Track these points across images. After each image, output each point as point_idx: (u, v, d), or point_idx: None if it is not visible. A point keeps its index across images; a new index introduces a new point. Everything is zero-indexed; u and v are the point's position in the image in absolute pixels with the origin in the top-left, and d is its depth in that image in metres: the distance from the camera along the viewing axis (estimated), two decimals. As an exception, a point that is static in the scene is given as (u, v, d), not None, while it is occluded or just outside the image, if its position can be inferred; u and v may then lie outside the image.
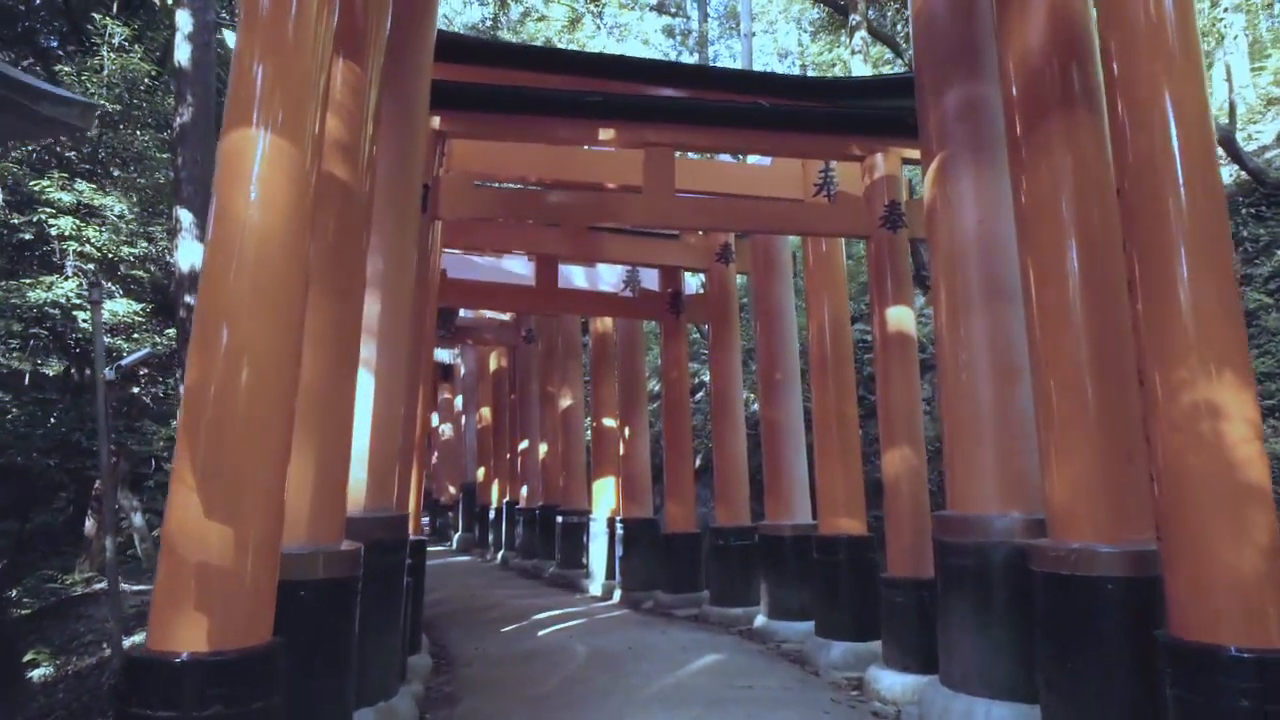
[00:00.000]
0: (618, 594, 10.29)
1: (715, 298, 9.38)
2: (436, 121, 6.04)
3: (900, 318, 6.25)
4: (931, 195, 5.19)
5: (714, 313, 9.36)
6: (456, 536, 17.45)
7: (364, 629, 4.20)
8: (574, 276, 10.75)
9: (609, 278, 10.97)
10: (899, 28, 13.64)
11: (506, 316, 14.64)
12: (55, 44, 14.18)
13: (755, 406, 12.54)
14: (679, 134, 6.22)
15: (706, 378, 15.51)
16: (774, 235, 8.36)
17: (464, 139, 6.58)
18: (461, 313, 14.86)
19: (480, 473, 16.69)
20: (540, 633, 7.93)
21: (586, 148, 6.89)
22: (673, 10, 26.20)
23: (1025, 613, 4.30)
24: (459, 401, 18.61)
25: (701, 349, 16.96)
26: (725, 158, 11.03)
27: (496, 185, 8.82)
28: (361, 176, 4.12)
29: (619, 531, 10.51)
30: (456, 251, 10.23)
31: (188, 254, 9.16)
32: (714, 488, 9.41)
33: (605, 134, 6.12)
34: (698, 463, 11.92)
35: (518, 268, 10.35)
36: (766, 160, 7.81)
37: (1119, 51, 3.53)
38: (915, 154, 6.53)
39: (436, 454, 20.19)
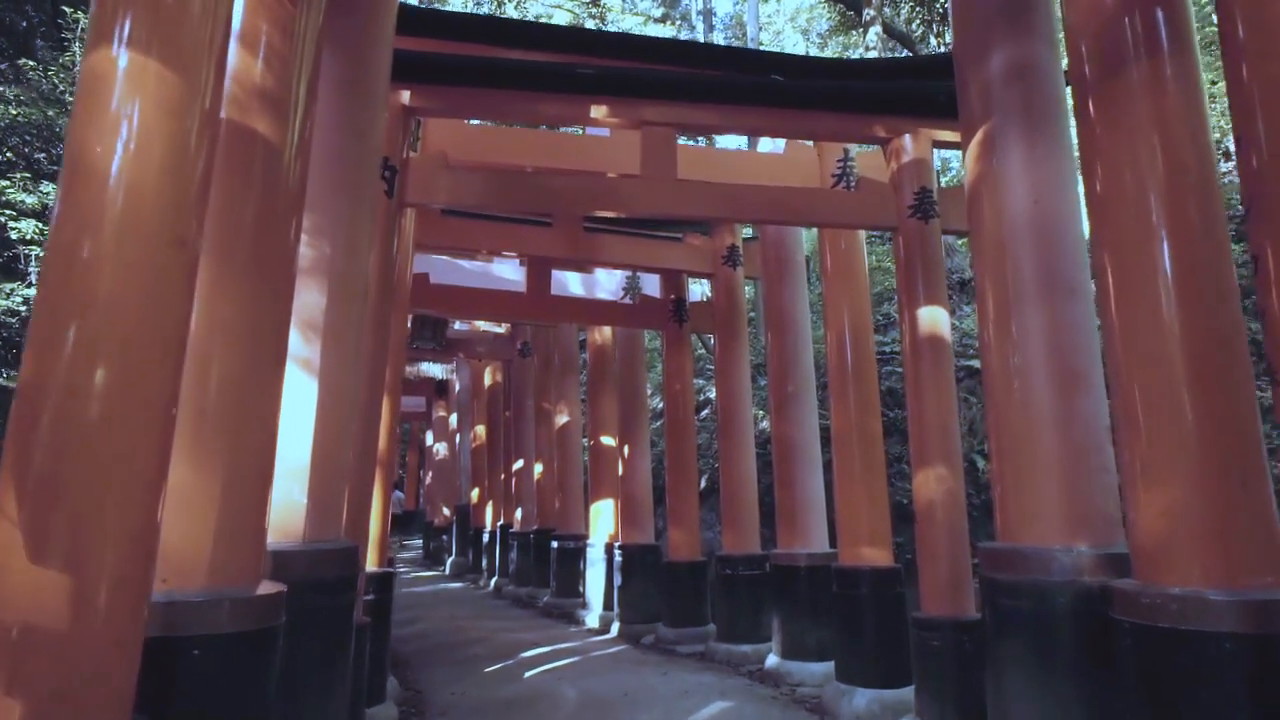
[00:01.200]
0: (616, 627, 9.48)
1: (722, 305, 8.63)
2: (406, 97, 5.34)
3: (933, 319, 5.49)
4: (975, 175, 4.45)
5: (720, 321, 8.61)
6: (450, 561, 16.63)
7: (296, 691, 3.44)
8: (569, 283, 10.02)
9: (608, 285, 10.24)
10: (914, 27, 12.99)
11: (502, 329, 13.94)
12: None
13: (765, 424, 11.78)
14: (680, 111, 5.50)
15: (713, 394, 14.81)
16: (786, 235, 7.63)
17: (439, 117, 5.88)
18: (457, 325, 14.19)
19: (475, 494, 15.91)
20: (528, 674, 7.13)
21: (582, 131, 6.17)
22: (677, 19, 25.67)
23: (1099, 669, 3.54)
24: (454, 419, 17.84)
25: (707, 364, 16.21)
26: (733, 147, 10.31)
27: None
28: (292, 137, 3.38)
29: (617, 559, 9.72)
30: (442, 256, 9.53)
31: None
32: (720, 511, 8.62)
33: (597, 111, 5.40)
34: (703, 484, 11.13)
35: (509, 273, 9.63)
36: (779, 147, 7.11)
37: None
38: (948, 136, 5.81)
39: (431, 474, 19.40)
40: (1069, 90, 4.65)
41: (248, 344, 3.12)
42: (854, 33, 12.77)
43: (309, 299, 3.95)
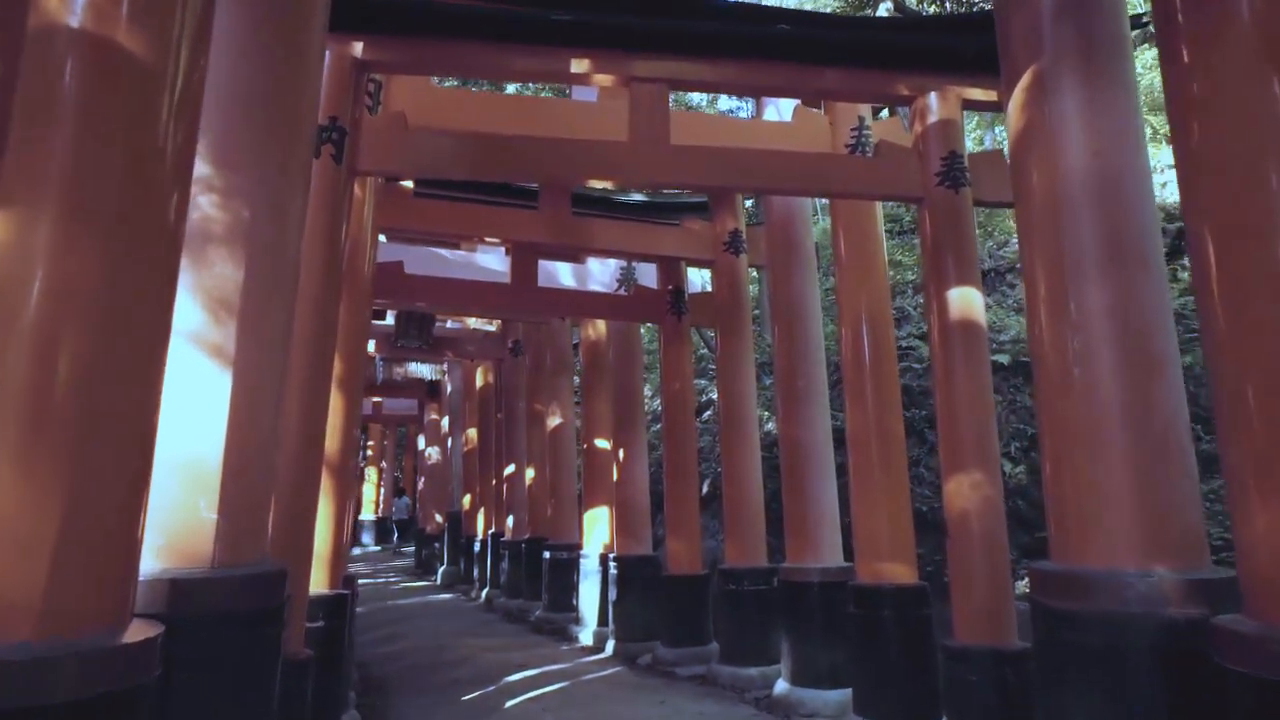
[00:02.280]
0: (611, 645, 8.77)
1: (724, 295, 7.93)
2: (358, 49, 4.65)
3: (966, 302, 4.78)
4: (1021, 128, 3.75)
5: (722, 313, 7.90)
6: (441, 570, 15.92)
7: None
8: (560, 275, 9.31)
9: (601, 276, 9.54)
10: (924, 6, 12.31)
11: (492, 327, 13.25)
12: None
13: (770, 425, 11.07)
14: (673, 66, 4.80)
15: (715, 395, 14.10)
16: (794, 218, 6.93)
17: (397, 73, 5.19)
18: (450, 324, 13.51)
19: (466, 500, 15.20)
20: (510, 703, 6.41)
21: (568, 92, 5.45)
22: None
23: (1192, 721, 2.86)
24: (446, 422, 17.15)
25: (709, 364, 15.50)
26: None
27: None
28: (176, 68, 2.68)
29: (613, 571, 9.00)
30: (423, 247, 8.85)
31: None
32: (723, 520, 7.91)
33: (579, 66, 4.71)
34: (704, 489, 10.43)
35: (494, 264, 8.93)
36: (786, 114, 6.41)
37: None
38: (979, 94, 5.11)
39: (423, 479, 18.71)
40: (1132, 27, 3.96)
41: (107, 320, 2.42)
42: (866, 12, 12.11)
43: (221, 272, 3.26)
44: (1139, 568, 3.19)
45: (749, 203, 10.59)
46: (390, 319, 11.87)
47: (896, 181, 5.02)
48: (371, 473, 25.44)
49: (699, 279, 9.91)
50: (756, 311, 12.86)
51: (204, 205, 3.32)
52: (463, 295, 7.92)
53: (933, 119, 4.99)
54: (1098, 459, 3.35)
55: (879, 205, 6.05)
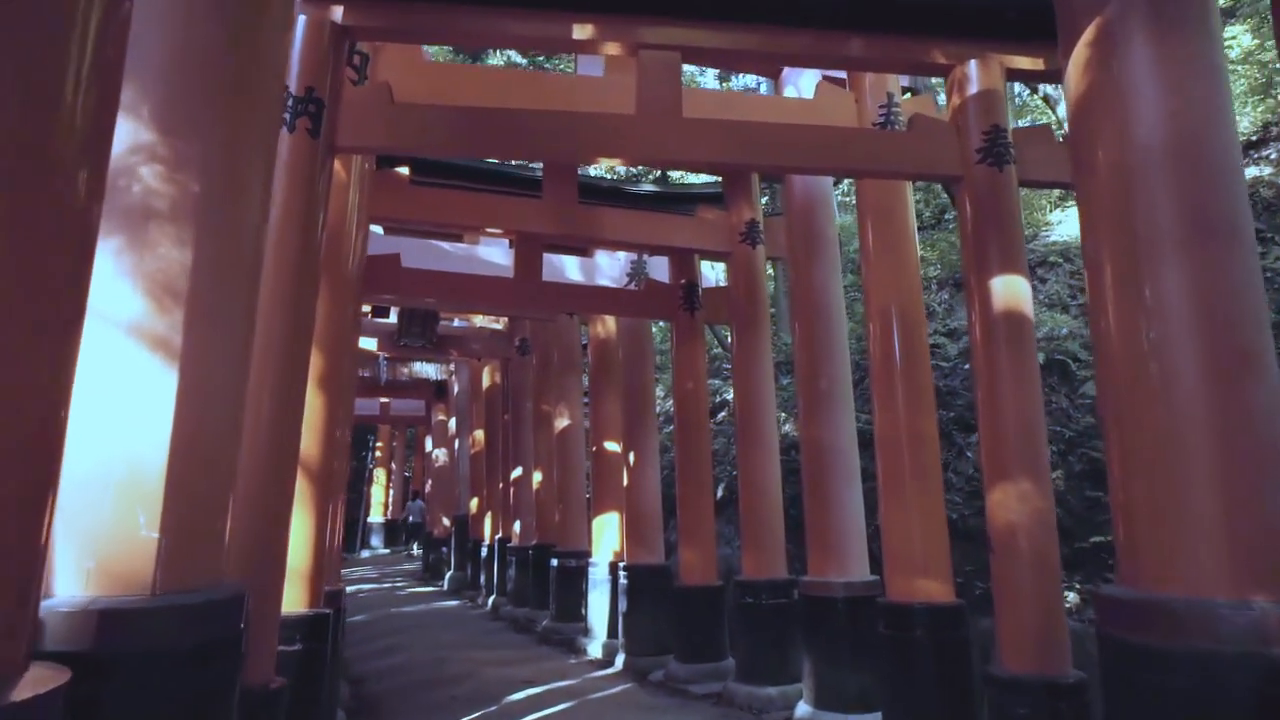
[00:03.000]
0: (621, 659, 8.31)
1: (740, 290, 7.45)
2: (338, 14, 4.21)
3: (1011, 292, 4.30)
4: (1084, 88, 3.28)
5: (738, 309, 7.43)
6: (448, 576, 15.50)
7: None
8: (567, 269, 8.87)
9: (610, 271, 9.09)
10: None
11: (499, 325, 12.82)
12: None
13: (788, 428, 10.59)
14: (686, 33, 4.35)
15: (729, 396, 13.64)
16: (816, 205, 6.45)
17: (382, 40, 4.76)
18: (456, 322, 13.11)
19: (473, 504, 14.78)
20: (510, 726, 5.98)
21: (570, 61, 4.98)
22: None
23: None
24: (452, 423, 16.73)
25: (723, 364, 15.03)
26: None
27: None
28: (75, 14, 2.24)
29: (623, 581, 8.55)
30: (424, 240, 8.42)
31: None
32: (740, 529, 7.44)
33: (581, 32, 4.26)
34: (718, 493, 9.96)
35: (498, 257, 8.50)
36: (807, 91, 5.95)
37: None
38: (1024, 63, 4.62)
39: (430, 482, 18.32)
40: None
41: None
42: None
43: (166, 254, 2.82)
44: (1233, 598, 2.72)
45: (765, 201, 10.12)
46: (394, 317, 11.48)
47: (932, 159, 4.54)
48: (381, 475, 25.08)
49: (712, 275, 9.44)
50: (773, 310, 12.39)
51: (146, 177, 2.88)
52: (463, 289, 7.48)
53: (972, 90, 4.50)
54: (1179, 470, 2.88)
55: (909, 189, 5.58)
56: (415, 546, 22.29)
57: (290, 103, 4.07)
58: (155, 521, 2.68)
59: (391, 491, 25.42)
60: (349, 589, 14.90)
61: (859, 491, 6.25)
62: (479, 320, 13.23)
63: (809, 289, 6.44)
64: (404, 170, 6.69)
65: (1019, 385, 4.21)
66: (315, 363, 4.55)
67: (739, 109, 5.61)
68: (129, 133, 2.87)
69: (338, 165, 4.83)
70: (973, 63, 4.53)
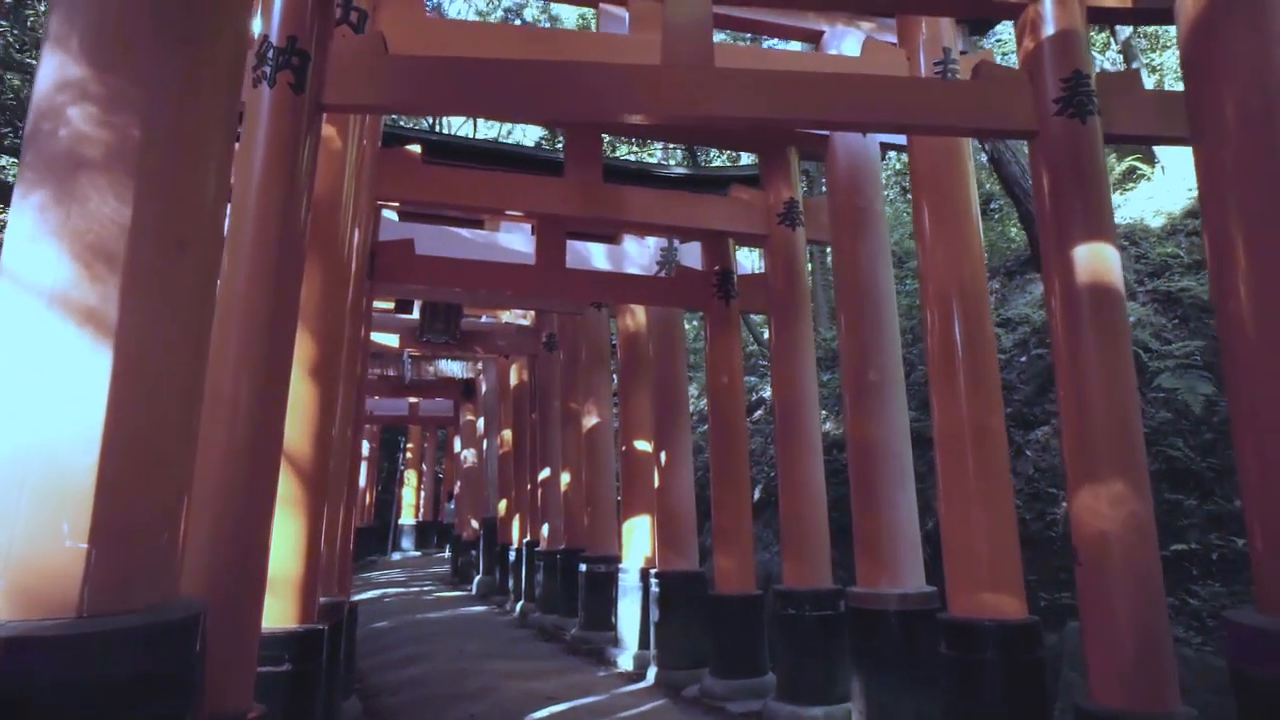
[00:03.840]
0: (653, 672, 7.78)
1: (779, 275, 6.88)
2: (325, -45, 3.74)
3: (1098, 261, 3.70)
4: (1204, 20, 2.69)
5: (777, 296, 6.87)
6: (476, 580, 15.07)
7: None
8: (593, 257, 8.36)
9: (639, 259, 8.57)
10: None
11: (526, 320, 12.37)
12: None
13: (828, 426, 10.00)
14: (719, -31, 3.82)
15: (766, 394, 13.06)
16: (862, 180, 5.89)
17: (375, -11, 4.29)
18: (484, 319, 12.69)
19: (502, 506, 14.33)
20: (530, 749, 5.48)
21: (594, 13, 4.45)
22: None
23: None
24: (481, 423, 16.32)
25: (757, 360, 14.45)
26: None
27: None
28: None
29: (654, 588, 8.02)
30: (440, 226, 7.97)
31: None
32: (780, 534, 6.88)
33: (599, -29, 3.75)
34: (755, 494, 9.40)
35: (520, 245, 8.01)
36: (854, 47, 5.38)
37: None
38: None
39: (459, 484, 17.94)
40: None
41: None
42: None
43: (99, 212, 2.35)
44: None
45: (802, 190, 9.50)
46: (416, 313, 11.08)
47: (1001, 111, 3.95)
48: (411, 476, 24.79)
49: (747, 265, 8.87)
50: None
51: (75, 120, 2.42)
52: (480, 276, 7.00)
53: (1048, 30, 3.91)
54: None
55: (970, 161, 4.99)
56: (448, 549, 21.95)
57: (270, 54, 3.60)
58: (82, 530, 2.21)
59: (422, 493, 25.13)
60: (374, 594, 14.58)
61: (913, 494, 5.67)
62: (505, 316, 12.80)
63: (855, 270, 5.86)
64: (415, 148, 6.24)
65: (1110, 370, 3.62)
66: (306, 351, 4.09)
67: (777, 65, 5.06)
68: (55, 67, 2.41)
69: (332, 133, 4.37)
70: (1047, 1, 3.94)
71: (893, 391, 5.74)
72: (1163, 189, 9.96)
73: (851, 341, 5.87)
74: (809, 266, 13.43)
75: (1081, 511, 3.60)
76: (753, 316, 15.24)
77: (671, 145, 15.54)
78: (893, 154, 10.27)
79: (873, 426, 5.67)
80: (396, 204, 6.45)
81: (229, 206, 3.61)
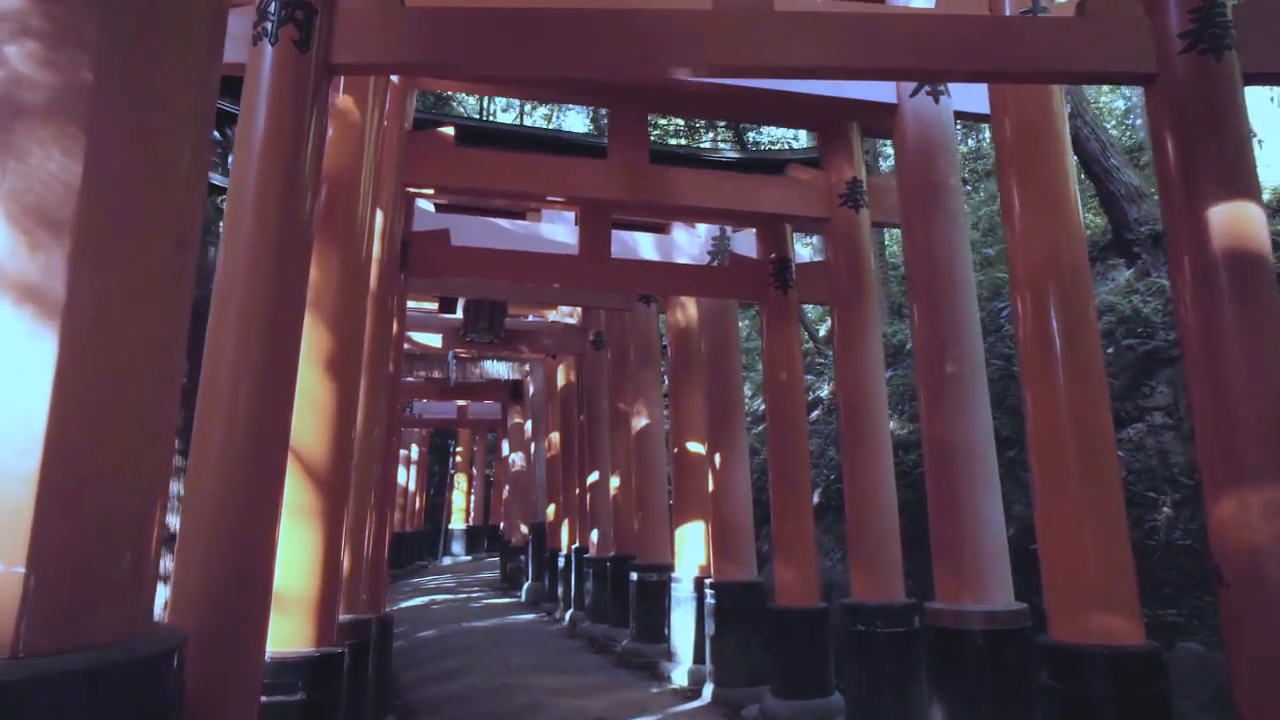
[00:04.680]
0: (709, 689, 7.28)
1: (841, 261, 6.33)
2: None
3: (1237, 222, 3.10)
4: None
5: (840, 284, 6.32)
6: (525, 586, 14.71)
7: None
8: (640, 248, 7.90)
9: (689, 249, 8.08)
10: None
11: (573, 319, 11.97)
12: None
13: (890, 425, 9.37)
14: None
15: (822, 393, 12.45)
16: (935, 150, 5.33)
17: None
18: (530, 317, 12.34)
19: (550, 511, 13.96)
20: (577, 779, 5.02)
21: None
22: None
23: None
24: (529, 426, 15.98)
25: (815, 359, 13.82)
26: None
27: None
28: None
29: (709, 599, 7.52)
30: (475, 216, 7.59)
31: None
32: (846, 542, 6.32)
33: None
34: (814, 498, 8.82)
35: (563, 235, 7.58)
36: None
37: None
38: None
39: (508, 488, 17.63)
40: None
41: None
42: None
43: (41, 169, 1.94)
44: None
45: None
46: (461, 312, 10.75)
47: (1110, 53, 3.36)
48: (461, 480, 24.62)
49: (805, 252, 8.32)
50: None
51: (13, 59, 2.01)
52: (520, 268, 6.58)
53: (1171, -42, 3.32)
54: None
55: (1065, 121, 4.39)
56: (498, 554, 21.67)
57: (272, 7, 3.20)
58: (18, 552, 1.80)
59: (473, 498, 24.94)
60: (423, 600, 14.31)
61: (998, 499, 5.08)
62: (551, 315, 12.43)
63: (930, 252, 5.29)
64: (448, 130, 5.85)
65: (1257, 350, 3.02)
66: (320, 345, 3.69)
67: (843, 9, 4.52)
68: (-13, -5, 2.03)
69: (349, 105, 3.97)
70: (1170, -80, 3.35)
71: (974, 385, 5.16)
72: (1261, 163, 9.13)
73: (927, 331, 5.30)
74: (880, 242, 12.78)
75: (1225, 524, 3.01)
76: (804, 310, 14.60)
77: (721, 124, 15.00)
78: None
79: (953, 424, 5.09)
80: (430, 191, 6.07)
81: (230, 184, 3.23)
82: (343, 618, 4.17)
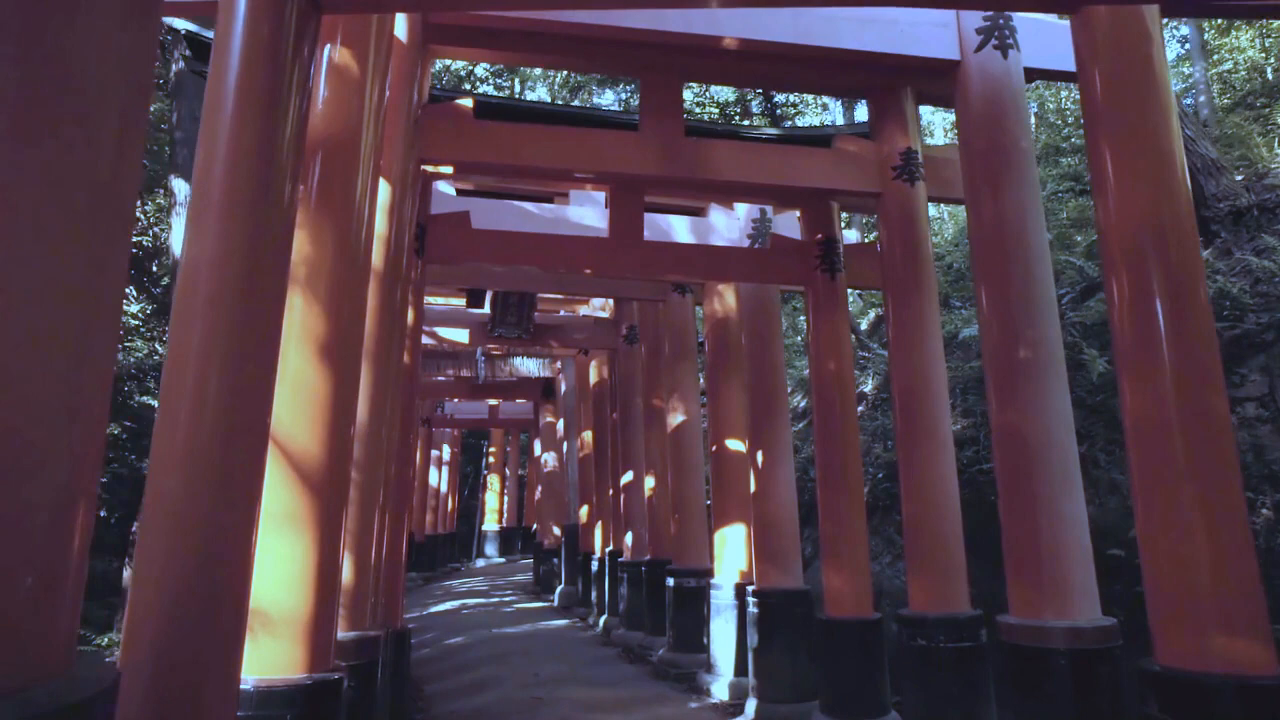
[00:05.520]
0: (752, 706, 6.76)
1: (895, 241, 5.78)
2: None
3: None
4: None
5: (893, 266, 5.77)
6: (559, 590, 14.27)
7: None
8: (675, 230, 7.41)
9: (727, 234, 7.57)
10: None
11: (605, 313, 11.51)
12: None
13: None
14: None
15: (867, 388, 11.86)
16: (1004, 94, 4.78)
17: None
18: (561, 313, 11.90)
19: (583, 512, 13.51)
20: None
21: None
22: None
23: None
24: (561, 425, 15.55)
25: (859, 354, 13.20)
26: None
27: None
28: None
29: (751, 607, 7.01)
30: (499, 199, 7.15)
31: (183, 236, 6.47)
32: (905, 547, 5.77)
33: None
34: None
35: (592, 219, 7.11)
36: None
37: None
38: None
39: (541, 489, 17.22)
40: None
41: None
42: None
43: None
44: None
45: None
46: (488, 307, 10.33)
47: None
48: (494, 481, 24.28)
49: (851, 235, 7.76)
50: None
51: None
52: (546, 252, 6.10)
53: None
54: None
55: (1165, 60, 3.81)
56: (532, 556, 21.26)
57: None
58: None
59: (506, 498, 24.61)
60: (453, 604, 13.93)
61: (1081, 499, 4.51)
62: (583, 310, 11.98)
63: (1000, 224, 4.74)
64: (466, 102, 5.41)
65: None
66: (313, 333, 3.25)
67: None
68: None
69: (348, 61, 3.52)
70: None
71: (1051, 370, 4.60)
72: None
73: (996, 311, 4.74)
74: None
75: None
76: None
77: (755, 111, 14.41)
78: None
79: (1028, 415, 4.54)
80: (449, 170, 5.62)
81: (199, 141, 2.80)
82: (345, 635, 3.74)
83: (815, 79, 5.97)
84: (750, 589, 7.13)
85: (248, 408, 2.63)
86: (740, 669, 7.40)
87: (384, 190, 4.16)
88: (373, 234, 3.74)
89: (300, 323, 3.22)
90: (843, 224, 10.56)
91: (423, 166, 5.54)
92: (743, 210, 7.44)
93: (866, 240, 9.21)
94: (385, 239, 4.22)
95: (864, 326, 13.71)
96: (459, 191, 6.95)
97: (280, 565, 3.03)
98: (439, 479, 21.47)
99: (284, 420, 3.10)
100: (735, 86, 13.08)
